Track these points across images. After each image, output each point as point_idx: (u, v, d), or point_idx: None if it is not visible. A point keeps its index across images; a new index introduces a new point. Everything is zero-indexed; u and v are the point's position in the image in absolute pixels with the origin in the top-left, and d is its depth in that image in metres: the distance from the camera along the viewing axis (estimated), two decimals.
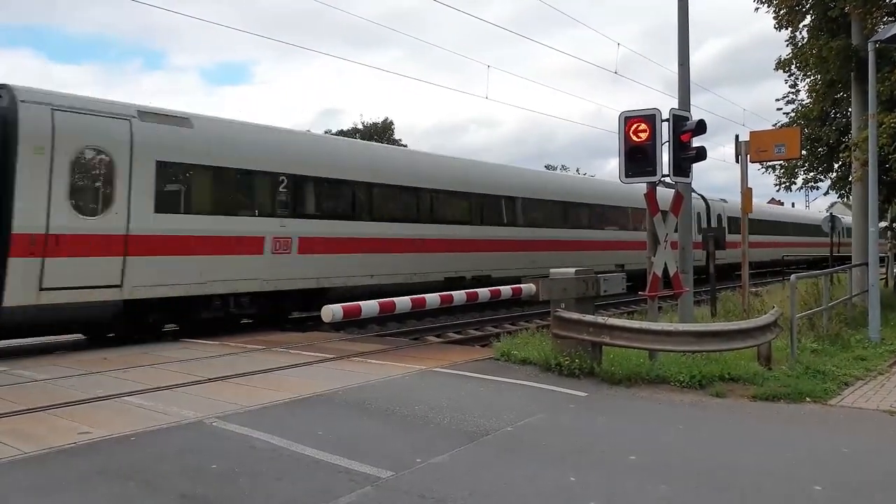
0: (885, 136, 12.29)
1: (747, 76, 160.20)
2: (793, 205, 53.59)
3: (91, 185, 10.93)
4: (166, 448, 5.39)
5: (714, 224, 27.66)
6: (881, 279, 16.97)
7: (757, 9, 16.70)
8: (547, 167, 54.10)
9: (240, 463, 5.00)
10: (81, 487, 4.60)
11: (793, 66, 17.25)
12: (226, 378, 8.18)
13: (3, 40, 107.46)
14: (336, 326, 13.02)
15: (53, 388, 7.75)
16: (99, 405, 6.87)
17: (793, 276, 9.62)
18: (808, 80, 17.58)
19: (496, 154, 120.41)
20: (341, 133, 44.20)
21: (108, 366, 9.17)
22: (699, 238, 16.80)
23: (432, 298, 9.01)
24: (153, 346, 11.18)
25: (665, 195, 9.62)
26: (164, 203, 11.47)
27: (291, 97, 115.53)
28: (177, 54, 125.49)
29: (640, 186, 9.21)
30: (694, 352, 7.85)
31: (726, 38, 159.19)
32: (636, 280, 11.25)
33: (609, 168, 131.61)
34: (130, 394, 7.29)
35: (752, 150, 14.16)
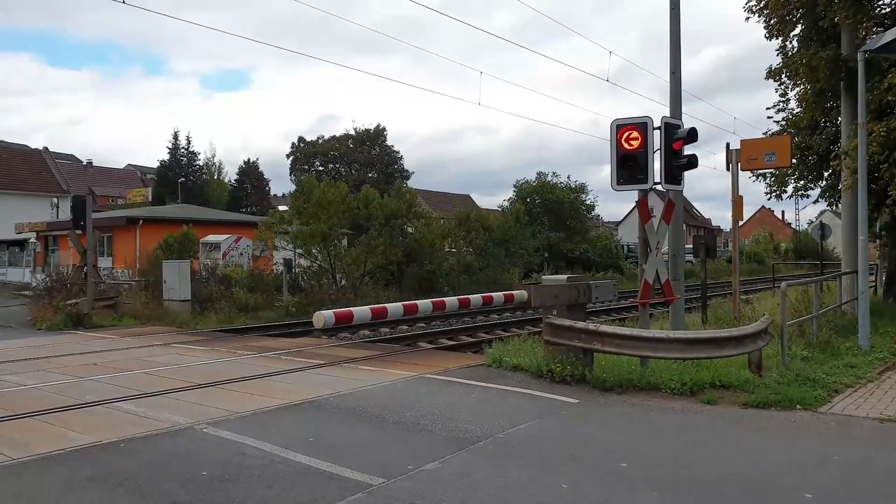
0: (874, 144, 12.37)
1: (745, 84, 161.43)
2: (783, 213, 53.82)
3: None
4: (156, 454, 5.36)
5: None
6: (870, 287, 17.06)
7: (748, 18, 16.82)
8: (539, 174, 53.91)
9: (230, 470, 4.97)
10: (70, 495, 4.56)
11: (783, 76, 17.39)
12: (217, 384, 8.15)
13: (1, 44, 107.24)
14: (327, 332, 12.99)
15: (42, 393, 7.70)
16: (88, 411, 6.82)
17: (783, 284, 9.67)
18: (798, 89, 17.69)
19: (494, 161, 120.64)
20: (333, 139, 43.62)
21: (97, 371, 9.12)
22: None
23: (424, 305, 9.04)
24: (143, 352, 11.13)
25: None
26: None
27: (291, 104, 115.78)
28: (178, 61, 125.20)
29: None
30: (685, 359, 7.87)
31: (723, 46, 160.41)
32: None
33: (602, 175, 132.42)
34: (120, 399, 7.25)
35: (742, 158, 14.22)
